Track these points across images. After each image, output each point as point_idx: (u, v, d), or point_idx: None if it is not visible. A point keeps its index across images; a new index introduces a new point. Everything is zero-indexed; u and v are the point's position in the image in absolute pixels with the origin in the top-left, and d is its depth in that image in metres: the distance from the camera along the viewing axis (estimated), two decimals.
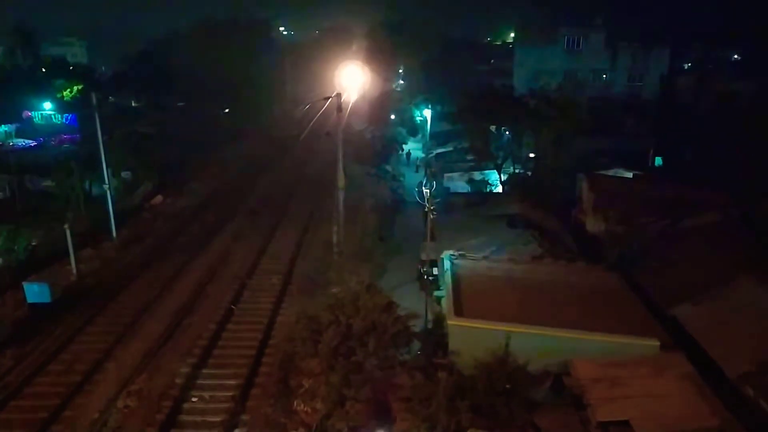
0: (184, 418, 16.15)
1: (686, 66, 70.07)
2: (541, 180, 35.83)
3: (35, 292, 22.35)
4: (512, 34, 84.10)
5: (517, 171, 39.83)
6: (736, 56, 79.96)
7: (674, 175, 36.07)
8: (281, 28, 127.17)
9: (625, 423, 13.92)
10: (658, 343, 16.33)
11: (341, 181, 26.92)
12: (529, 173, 38.99)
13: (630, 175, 36.11)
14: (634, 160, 39.26)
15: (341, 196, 26.98)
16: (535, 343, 16.58)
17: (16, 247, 25.34)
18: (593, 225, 27.53)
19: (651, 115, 47.46)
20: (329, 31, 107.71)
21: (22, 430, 15.37)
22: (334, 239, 27.02)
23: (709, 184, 27.71)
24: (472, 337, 16.84)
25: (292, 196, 38.84)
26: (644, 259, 22.11)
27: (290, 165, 48.11)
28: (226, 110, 64.82)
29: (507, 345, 16.34)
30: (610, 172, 35.85)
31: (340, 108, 26.41)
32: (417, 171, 47.87)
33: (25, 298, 22.43)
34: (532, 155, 39.97)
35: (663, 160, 42.20)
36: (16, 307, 22.34)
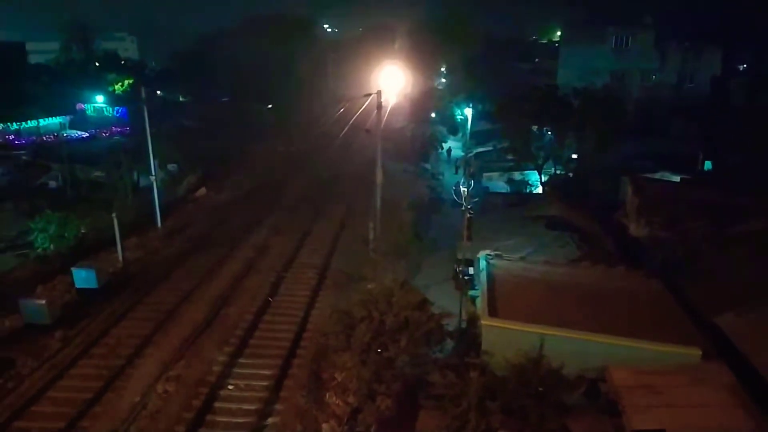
0: (220, 405, 16.55)
1: (740, 68, 67.43)
2: (582, 182, 35.16)
3: (83, 277, 23.26)
4: (558, 33, 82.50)
5: (558, 172, 39.16)
6: None
7: (724, 180, 34.79)
8: (325, 26, 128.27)
9: None
10: (699, 352, 15.85)
11: (379, 178, 27.05)
12: (571, 175, 38.29)
13: (677, 179, 35.08)
14: (682, 164, 38.07)
15: (378, 192, 27.12)
16: (570, 347, 16.32)
17: (66, 234, 26.36)
18: (636, 229, 26.87)
19: (701, 118, 45.90)
20: (372, 28, 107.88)
21: (67, 408, 16.04)
22: (371, 235, 27.18)
23: (759, 191, 26.66)
24: (505, 338, 16.70)
25: (330, 191, 39.20)
26: (688, 266, 21.47)
27: (329, 161, 48.53)
28: (269, 106, 65.82)
29: (541, 347, 16.15)
30: (656, 176, 34.91)
31: (379, 105, 26.53)
32: (456, 172, 47.57)
33: (73, 283, 23.36)
34: (574, 156, 39.24)
35: (712, 164, 40.77)
36: (65, 291, 23.28)
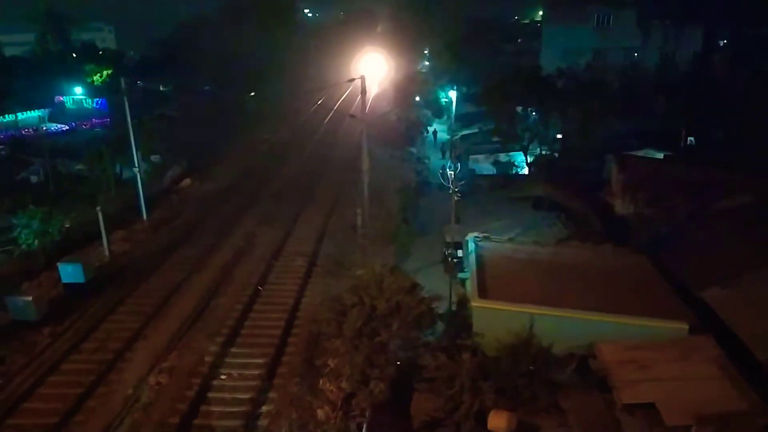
0: (213, 395, 16.56)
1: (720, 44, 67.79)
2: (568, 161, 35.34)
3: (69, 272, 23.01)
4: (540, 13, 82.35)
5: (543, 152, 39.29)
6: None
7: (707, 156, 35.13)
8: (306, 10, 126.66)
9: (651, 406, 13.84)
10: (686, 326, 16.14)
11: (365, 164, 26.97)
12: (556, 155, 38.44)
13: (661, 156, 35.38)
14: (666, 141, 38.37)
15: (366, 178, 27.05)
16: (559, 325, 16.54)
17: (50, 229, 26.01)
18: (622, 207, 27.13)
19: (683, 95, 46.16)
20: (354, 12, 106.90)
21: (60, 404, 15.95)
22: (359, 221, 27.16)
23: (742, 166, 26.96)
24: (496, 319, 16.87)
25: (316, 178, 39.04)
26: (674, 242, 21.75)
27: (315, 148, 48.27)
28: (252, 94, 65.12)
29: (531, 327, 16.34)
30: (640, 153, 35.17)
31: (364, 90, 26.36)
32: (444, 156, 47.52)
33: (60, 278, 23.11)
34: (559, 136, 39.36)
35: (695, 141, 41.12)
36: (51, 286, 23.05)
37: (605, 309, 16.85)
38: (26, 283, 23.16)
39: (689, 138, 41.31)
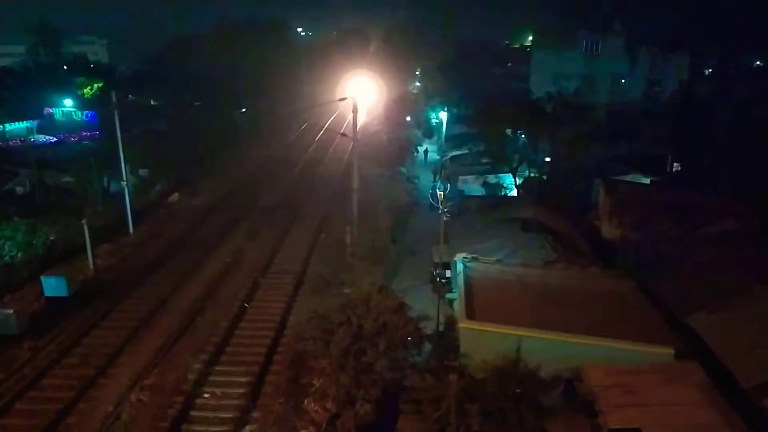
0: (196, 413, 16.29)
1: (707, 72, 69.28)
2: (556, 184, 35.69)
3: (53, 285, 22.69)
4: (530, 38, 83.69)
5: (532, 175, 39.66)
6: (758, 63, 78.92)
7: (693, 181, 35.68)
8: (299, 29, 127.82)
9: (637, 431, 13.80)
10: (672, 351, 16.18)
11: (355, 182, 27.01)
12: (545, 177, 38.82)
13: (647, 181, 35.83)
14: (652, 166, 38.94)
15: (355, 197, 27.06)
16: (546, 348, 16.51)
17: (34, 241, 25.71)
18: (609, 231, 27.37)
19: (670, 121, 46.99)
20: (346, 32, 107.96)
21: (38, 420, 15.58)
22: (348, 240, 27.09)
23: (727, 192, 27.38)
24: (483, 341, 16.81)
25: (306, 196, 39.00)
26: (660, 266, 21.91)
27: (304, 165, 48.29)
28: (243, 110, 65.25)
29: (518, 349, 16.29)
30: (627, 178, 35.62)
31: (355, 109, 26.50)
32: (435, 179, 47.73)
33: (42, 292, 22.76)
34: (547, 159, 39.80)
35: (681, 166, 41.76)
36: (33, 299, 22.67)
37: (592, 332, 16.87)
38: (8, 296, 22.77)
39: (675, 163, 41.95)
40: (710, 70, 70.24)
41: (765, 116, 39.62)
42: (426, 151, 55.16)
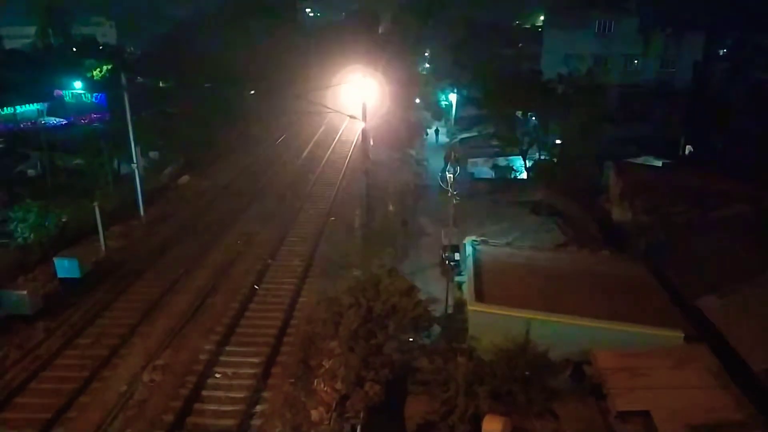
0: (208, 393, 16.50)
1: (721, 53, 67.98)
2: (567, 167, 35.36)
3: (65, 267, 22.90)
4: (541, 18, 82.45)
5: (542, 157, 39.34)
6: None
7: (705, 164, 35.26)
8: (308, 10, 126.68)
9: (645, 414, 13.83)
10: (682, 335, 16.14)
11: (365, 165, 26.96)
12: (555, 160, 38.50)
13: (659, 163, 35.46)
14: (665, 149, 38.50)
15: (366, 180, 27.02)
16: (555, 330, 16.52)
17: (47, 223, 25.91)
18: (620, 214, 27.18)
19: (683, 103, 46.30)
20: (356, 13, 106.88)
21: (53, 399, 15.87)
22: (357, 223, 27.13)
23: (740, 175, 27.04)
24: (492, 323, 16.84)
25: (315, 178, 39.00)
26: (671, 250, 21.78)
27: (314, 147, 48.22)
28: (252, 92, 65.03)
29: (527, 332, 16.32)
30: (639, 160, 35.28)
31: (365, 91, 26.34)
32: (445, 164, 47.52)
33: (55, 273, 22.99)
34: (558, 142, 39.42)
35: (694, 149, 41.26)
36: (46, 281, 22.92)
37: (601, 315, 16.85)
38: (21, 277, 23.03)
39: (688, 146, 41.44)
40: (725, 51, 68.95)
41: None
42: (437, 131, 54.88)
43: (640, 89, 49.46)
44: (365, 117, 26.90)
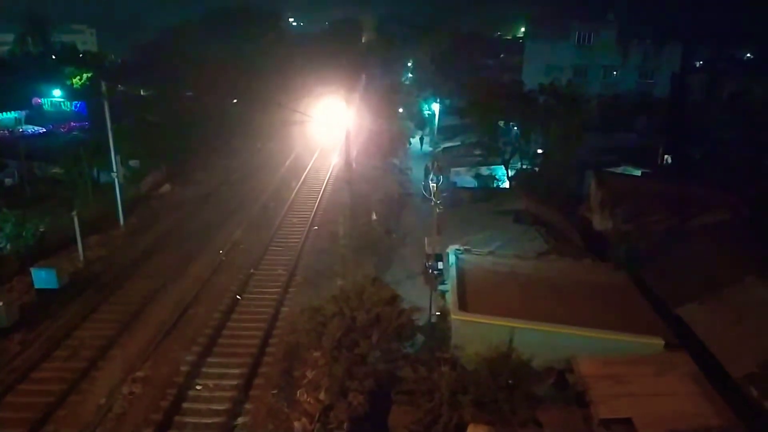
0: (188, 405, 16.25)
1: (698, 64, 69.45)
2: (548, 176, 35.73)
3: (43, 277, 22.51)
4: (522, 29, 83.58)
5: (524, 167, 39.71)
6: (749, 55, 79.22)
7: (684, 173, 35.89)
8: (291, 19, 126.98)
9: (628, 421, 13.91)
10: (662, 342, 16.29)
11: (349, 175, 26.93)
12: (537, 169, 38.88)
13: (639, 173, 35.97)
14: (644, 158, 39.10)
15: (348, 189, 27.00)
16: (538, 339, 16.58)
17: (24, 233, 25.45)
18: (600, 222, 27.42)
19: (661, 113, 47.16)
20: (339, 23, 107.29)
21: (29, 413, 15.50)
22: (340, 232, 27.06)
23: (718, 184, 27.53)
24: (475, 332, 16.84)
25: (298, 187, 38.88)
26: (651, 258, 22.03)
27: (297, 156, 48.11)
28: (234, 101, 64.74)
29: (511, 340, 16.35)
30: (619, 170, 35.74)
31: (347, 104, 26.38)
32: (427, 175, 47.75)
33: (32, 284, 22.58)
34: (539, 151, 39.84)
35: (672, 158, 41.98)
36: (23, 292, 22.48)
37: (584, 323, 16.96)
38: None
39: (666, 156, 42.14)
40: (701, 63, 70.45)
41: (755, 109, 39.82)
42: (422, 139, 55.13)
43: (620, 100, 50.28)
44: (348, 129, 26.92)
